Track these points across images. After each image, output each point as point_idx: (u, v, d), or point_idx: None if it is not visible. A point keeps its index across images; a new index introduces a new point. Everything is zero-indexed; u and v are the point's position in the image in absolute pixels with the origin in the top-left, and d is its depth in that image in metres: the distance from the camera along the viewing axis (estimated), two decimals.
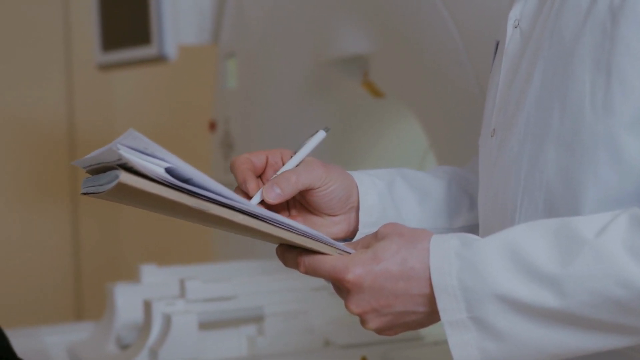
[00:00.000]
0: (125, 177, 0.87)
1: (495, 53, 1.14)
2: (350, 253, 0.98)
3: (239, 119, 2.25)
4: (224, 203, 0.93)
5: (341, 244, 0.99)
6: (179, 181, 0.90)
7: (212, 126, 2.35)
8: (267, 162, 1.09)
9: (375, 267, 0.95)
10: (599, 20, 0.96)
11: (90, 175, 0.94)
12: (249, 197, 1.05)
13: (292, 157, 1.08)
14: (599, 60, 0.95)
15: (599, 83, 0.95)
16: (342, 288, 0.97)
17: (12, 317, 2.93)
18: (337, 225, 1.12)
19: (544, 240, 0.92)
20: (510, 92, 1.05)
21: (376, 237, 0.98)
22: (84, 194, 0.94)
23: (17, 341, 1.58)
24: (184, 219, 0.98)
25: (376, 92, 1.88)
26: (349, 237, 1.12)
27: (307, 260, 0.98)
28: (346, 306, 0.97)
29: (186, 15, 2.35)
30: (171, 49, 2.29)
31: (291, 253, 1.00)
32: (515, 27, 1.08)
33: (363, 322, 0.98)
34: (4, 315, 2.80)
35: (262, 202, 1.05)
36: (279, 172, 1.07)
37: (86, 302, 3.48)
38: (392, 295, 0.95)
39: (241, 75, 2.23)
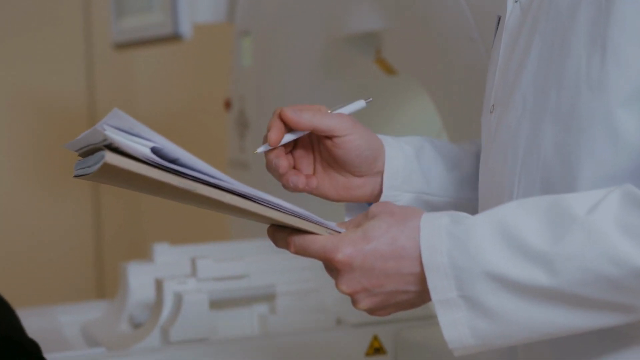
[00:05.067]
0: (111, 158, 0.87)
1: (497, 28, 1.12)
2: (340, 232, 0.97)
3: (253, 97, 2.24)
4: (211, 183, 0.92)
5: (332, 224, 0.98)
6: (165, 161, 0.89)
7: (227, 105, 2.35)
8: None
9: (365, 246, 0.94)
10: None
11: (82, 158, 0.94)
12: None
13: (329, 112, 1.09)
14: (594, 36, 0.94)
15: (594, 59, 0.93)
16: (332, 268, 0.97)
17: (34, 297, 2.95)
18: (361, 189, 1.12)
19: (535, 218, 0.90)
20: (508, 68, 1.04)
21: (367, 216, 0.97)
22: (76, 176, 0.94)
23: (31, 320, 1.59)
24: (173, 200, 0.98)
25: (389, 70, 1.86)
26: (372, 202, 1.12)
27: (297, 240, 0.98)
28: (337, 286, 0.97)
29: None
30: (186, 28, 2.29)
31: (282, 233, 1.00)
32: (516, 2, 1.06)
33: (354, 302, 0.97)
34: (26, 294, 2.83)
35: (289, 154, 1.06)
36: None
37: (107, 283, 3.50)
38: (382, 275, 0.94)
39: (256, 54, 2.22)
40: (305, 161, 1.11)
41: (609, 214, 0.88)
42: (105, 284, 3.51)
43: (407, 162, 1.13)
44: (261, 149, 1.07)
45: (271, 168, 1.08)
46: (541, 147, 0.97)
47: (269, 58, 2.17)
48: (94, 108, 3.46)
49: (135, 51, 3.15)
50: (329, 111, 1.09)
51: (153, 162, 0.89)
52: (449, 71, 1.62)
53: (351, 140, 1.08)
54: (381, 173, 1.12)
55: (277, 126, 1.06)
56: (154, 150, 0.89)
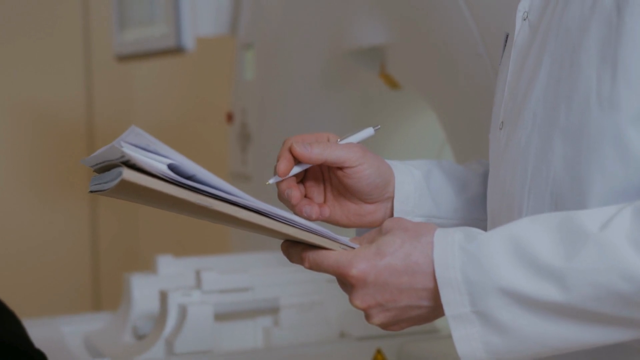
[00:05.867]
0: (128, 174, 0.87)
1: (505, 45, 1.13)
2: (354, 248, 0.98)
3: (256, 111, 2.25)
4: (227, 199, 0.93)
5: (345, 239, 0.99)
6: (181, 178, 0.90)
7: (230, 118, 2.36)
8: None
9: (379, 262, 0.95)
10: (605, 13, 0.95)
11: (97, 174, 0.94)
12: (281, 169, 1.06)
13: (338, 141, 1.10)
14: (605, 53, 0.94)
15: (604, 77, 0.94)
16: (346, 283, 0.97)
17: (32, 308, 2.94)
18: (372, 215, 1.13)
19: (547, 234, 0.91)
20: (518, 85, 1.05)
21: (380, 231, 0.98)
22: (92, 192, 0.94)
23: (35, 330, 1.59)
24: (189, 216, 0.98)
25: (393, 84, 1.87)
26: None
27: (312, 255, 0.98)
28: (350, 301, 0.97)
29: (204, 6, 2.35)
30: (189, 40, 2.29)
31: (296, 249, 1.00)
32: (524, 20, 1.07)
33: (368, 316, 0.98)
34: (24, 305, 2.82)
35: (300, 182, 1.06)
36: None
37: (103, 293, 3.49)
38: (396, 290, 0.95)
39: (259, 67, 2.23)
40: (316, 190, 1.12)
41: (621, 230, 0.89)
42: (101, 295, 3.50)
43: (417, 187, 1.14)
44: (272, 181, 1.08)
45: (283, 198, 1.09)
46: (551, 164, 0.98)
47: (272, 71, 2.18)
48: (92, 119, 3.46)
49: (135, 65, 3.15)
50: (338, 140, 1.09)
51: (170, 178, 0.89)
52: (454, 86, 1.63)
53: (362, 169, 1.09)
54: (391, 198, 1.13)
55: (286, 157, 1.07)
56: (171, 167, 0.90)
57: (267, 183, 1.08)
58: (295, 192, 1.08)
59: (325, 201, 1.12)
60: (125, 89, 3.51)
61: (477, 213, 1.18)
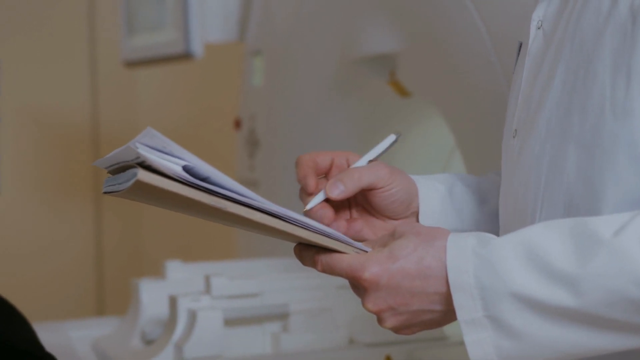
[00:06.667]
0: (143, 175, 0.88)
1: (519, 54, 1.14)
2: (367, 251, 0.98)
3: (264, 117, 2.25)
4: (241, 201, 0.93)
5: (359, 243, 0.99)
6: (196, 179, 0.90)
7: (237, 124, 2.36)
8: (332, 164, 1.10)
9: (391, 265, 0.95)
10: (619, 21, 0.95)
11: (111, 175, 0.95)
12: (307, 194, 1.07)
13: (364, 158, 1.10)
14: (619, 62, 0.95)
15: (619, 85, 0.95)
16: (359, 286, 0.98)
17: (36, 311, 2.94)
18: None
19: (560, 239, 0.92)
20: (532, 93, 1.05)
21: (393, 235, 0.99)
22: (106, 193, 0.95)
23: (42, 335, 1.58)
24: (202, 218, 0.99)
25: (403, 92, 1.87)
26: None
27: (325, 258, 0.99)
28: (363, 304, 0.98)
29: (213, 12, 2.35)
30: (198, 46, 2.30)
31: (309, 252, 1.01)
32: (539, 28, 1.08)
33: (380, 320, 0.98)
34: (28, 310, 2.82)
35: (327, 200, 1.07)
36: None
37: (108, 298, 3.49)
38: (408, 294, 0.95)
39: (267, 73, 2.23)
40: (341, 206, 1.12)
41: (635, 236, 0.89)
42: (105, 299, 3.50)
43: (442, 202, 1.15)
44: (309, 206, 1.08)
45: (316, 219, 1.09)
46: (564, 172, 0.99)
47: (280, 78, 2.18)
48: (98, 124, 3.47)
49: (141, 70, 3.16)
50: (363, 158, 1.10)
51: (185, 180, 0.90)
52: (465, 94, 1.63)
53: (390, 189, 1.09)
54: (416, 213, 1.13)
55: (312, 185, 1.07)
56: (186, 169, 0.90)
57: (305, 210, 1.08)
58: (328, 212, 1.08)
59: (350, 217, 1.12)
60: (131, 95, 3.52)
61: (498, 225, 1.18)
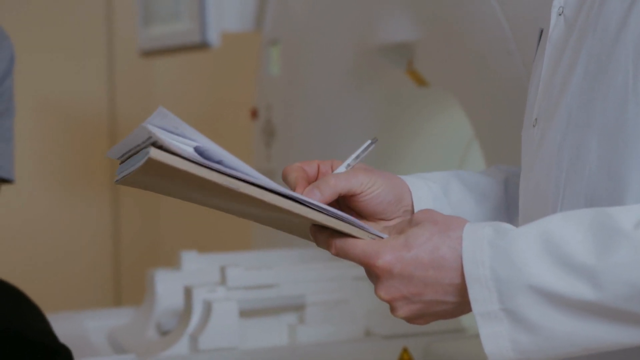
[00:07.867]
0: (156, 153, 0.86)
1: (539, 41, 1.11)
2: (383, 238, 0.96)
3: (281, 107, 2.24)
4: (253, 182, 0.91)
5: (374, 229, 0.97)
6: (208, 161, 0.89)
7: (254, 114, 2.35)
8: (319, 171, 1.08)
9: (405, 254, 0.93)
10: None
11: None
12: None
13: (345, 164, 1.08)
14: None
15: None
16: (372, 273, 0.96)
17: (54, 301, 2.95)
18: None
19: (580, 231, 0.89)
20: (553, 82, 1.03)
21: (410, 223, 0.97)
22: (117, 181, 0.93)
23: (58, 325, 1.58)
24: (212, 205, 0.97)
25: (421, 81, 1.86)
26: None
27: (339, 242, 0.97)
28: (376, 292, 0.96)
29: (229, 2, 2.34)
30: (214, 36, 2.29)
31: (323, 234, 0.99)
32: (560, 15, 1.05)
33: (392, 309, 0.96)
34: (45, 299, 2.83)
35: None
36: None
37: (125, 289, 3.50)
38: (421, 284, 0.94)
39: (284, 63, 2.22)
40: None
41: None
42: (122, 289, 3.51)
43: (436, 201, 1.12)
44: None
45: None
46: (586, 161, 0.97)
47: (298, 67, 2.17)
48: (115, 114, 3.47)
49: (158, 60, 3.15)
50: (344, 164, 1.08)
51: (197, 161, 0.88)
52: (484, 83, 1.61)
53: (370, 192, 1.07)
54: (409, 212, 1.11)
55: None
56: (198, 151, 0.89)
57: None
58: None
59: None
60: (148, 85, 3.51)
61: (501, 220, 1.16)
